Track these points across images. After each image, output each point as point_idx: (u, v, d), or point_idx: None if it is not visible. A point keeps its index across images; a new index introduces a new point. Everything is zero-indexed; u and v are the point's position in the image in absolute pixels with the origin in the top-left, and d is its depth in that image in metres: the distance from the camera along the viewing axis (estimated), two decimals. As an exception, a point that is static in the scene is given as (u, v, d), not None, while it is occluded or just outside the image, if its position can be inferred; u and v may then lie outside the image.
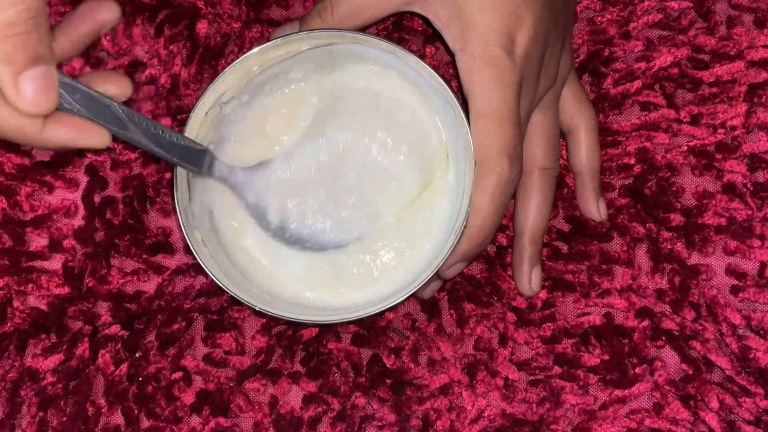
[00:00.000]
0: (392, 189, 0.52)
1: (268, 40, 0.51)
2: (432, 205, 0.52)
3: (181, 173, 0.50)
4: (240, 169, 0.52)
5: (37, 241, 0.58)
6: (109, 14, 0.43)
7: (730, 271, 0.56)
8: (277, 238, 0.53)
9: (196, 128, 0.51)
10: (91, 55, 0.59)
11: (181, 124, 0.51)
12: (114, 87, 0.43)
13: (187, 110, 0.53)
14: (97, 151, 0.58)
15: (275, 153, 0.53)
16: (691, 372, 0.55)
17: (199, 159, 0.49)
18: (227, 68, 0.50)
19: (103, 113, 0.42)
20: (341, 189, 0.53)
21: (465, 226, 0.49)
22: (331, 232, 0.53)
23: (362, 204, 0.53)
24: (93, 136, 0.42)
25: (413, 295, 0.51)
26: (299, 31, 0.51)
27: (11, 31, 0.37)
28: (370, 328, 0.57)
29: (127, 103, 0.44)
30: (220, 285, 0.49)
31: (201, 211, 0.52)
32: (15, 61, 0.38)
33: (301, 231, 0.52)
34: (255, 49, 0.50)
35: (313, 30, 0.52)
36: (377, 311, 0.49)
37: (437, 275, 0.51)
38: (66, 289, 0.57)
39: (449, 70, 0.59)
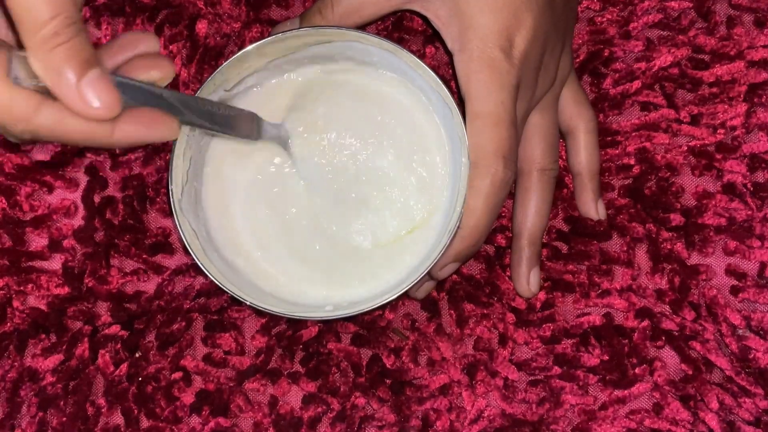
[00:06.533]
0: (389, 189, 0.53)
1: (269, 35, 0.52)
2: (428, 204, 0.52)
3: (176, 166, 0.50)
4: (283, 125, 0.52)
5: (37, 241, 0.59)
6: (149, 44, 0.42)
7: (730, 271, 0.56)
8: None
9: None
10: (91, 55, 0.59)
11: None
12: (157, 72, 0.42)
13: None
14: (96, 151, 0.58)
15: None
16: (690, 372, 0.55)
17: (249, 125, 0.49)
18: (225, 63, 0.50)
19: (157, 103, 0.41)
20: (340, 189, 0.53)
21: (459, 227, 0.49)
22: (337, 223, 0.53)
23: (360, 203, 0.53)
24: (163, 127, 0.41)
25: (407, 294, 0.51)
26: (299, 28, 0.51)
27: (58, 40, 0.37)
28: (369, 329, 0.57)
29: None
30: (214, 279, 0.49)
31: (195, 206, 0.52)
32: (70, 69, 0.37)
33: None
34: (254, 45, 0.50)
35: (313, 27, 0.52)
36: (370, 309, 0.49)
37: (430, 275, 0.51)
38: (66, 289, 0.57)
39: (449, 71, 0.59)
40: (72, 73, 0.38)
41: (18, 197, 0.58)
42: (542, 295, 0.57)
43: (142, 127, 0.40)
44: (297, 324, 0.57)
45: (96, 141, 0.40)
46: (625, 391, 0.55)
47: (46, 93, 0.38)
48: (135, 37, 0.43)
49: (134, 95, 0.40)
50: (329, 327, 0.57)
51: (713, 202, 0.57)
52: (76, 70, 0.38)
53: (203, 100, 0.45)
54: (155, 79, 0.42)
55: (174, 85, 0.59)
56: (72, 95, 0.38)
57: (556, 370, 0.56)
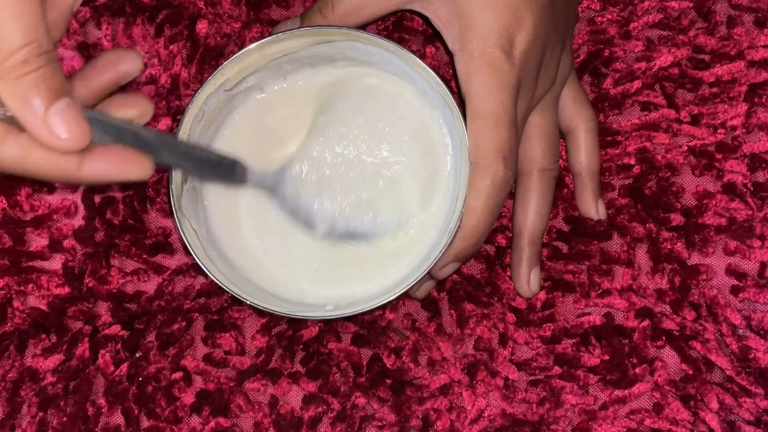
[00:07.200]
0: (391, 189, 0.53)
1: (270, 35, 0.52)
2: (428, 204, 0.52)
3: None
4: (270, 174, 0.51)
5: (37, 241, 0.59)
6: (132, 65, 0.42)
7: (730, 271, 0.56)
8: (301, 231, 0.52)
9: (190, 122, 0.51)
10: (92, 56, 0.59)
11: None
12: (134, 110, 0.41)
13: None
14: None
15: (280, 153, 0.53)
16: (691, 372, 0.55)
17: (231, 170, 0.47)
18: (226, 62, 0.50)
19: (130, 141, 0.39)
20: (346, 189, 0.53)
21: (459, 227, 0.49)
22: (345, 226, 0.53)
23: (365, 203, 0.53)
24: (135, 165, 0.39)
25: (407, 294, 0.50)
26: (300, 28, 0.51)
27: (27, 68, 0.36)
28: (370, 328, 0.57)
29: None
30: (214, 279, 0.49)
31: (195, 206, 0.52)
32: (38, 97, 0.37)
33: (326, 225, 0.52)
34: (254, 44, 0.50)
35: (313, 27, 0.52)
36: (370, 308, 0.49)
37: (430, 275, 0.51)
38: (66, 289, 0.57)
39: (449, 70, 0.59)
40: (40, 101, 0.37)
41: (18, 197, 0.58)
42: (542, 295, 0.57)
43: (113, 165, 0.39)
44: (297, 324, 0.57)
45: (62, 176, 0.38)
46: (626, 391, 0.55)
47: (12, 123, 0.37)
48: (116, 56, 0.42)
49: (107, 131, 0.39)
50: (329, 327, 0.57)
51: (713, 202, 0.57)
52: (45, 99, 0.37)
53: (183, 141, 0.43)
54: (132, 117, 0.41)
55: (174, 85, 0.59)
56: (39, 125, 0.37)
57: (557, 370, 0.56)
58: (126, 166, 0.39)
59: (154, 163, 0.40)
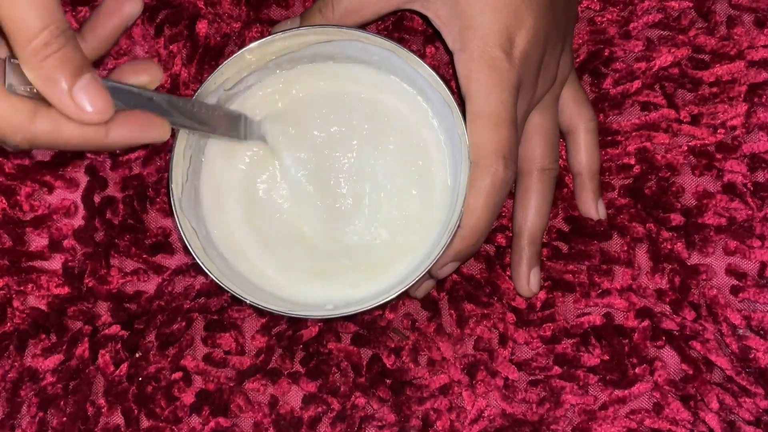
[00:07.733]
0: (387, 187, 0.53)
1: (269, 35, 0.52)
2: (428, 204, 0.52)
3: (176, 165, 0.50)
4: (263, 121, 0.53)
5: (37, 241, 0.59)
6: (133, 6, 0.44)
7: (730, 271, 0.56)
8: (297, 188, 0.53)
9: None
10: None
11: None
12: (146, 76, 0.44)
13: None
14: (96, 152, 0.58)
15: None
16: (691, 372, 0.55)
17: (237, 125, 0.51)
18: (226, 62, 0.50)
19: (147, 105, 0.43)
20: (339, 188, 0.53)
21: (459, 226, 0.49)
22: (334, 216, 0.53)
23: (359, 202, 0.53)
24: (154, 128, 0.42)
25: (407, 293, 0.50)
26: (299, 27, 0.51)
27: (49, 50, 0.39)
28: (370, 328, 0.57)
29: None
30: (214, 278, 0.49)
31: (195, 205, 0.52)
32: (63, 76, 0.39)
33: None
34: (254, 44, 0.50)
35: (313, 26, 0.52)
36: (370, 308, 0.49)
37: (430, 274, 0.51)
38: (66, 289, 0.57)
39: (449, 70, 0.59)
40: (64, 80, 0.39)
41: (18, 197, 0.58)
42: (542, 295, 0.57)
43: (134, 129, 0.42)
44: (297, 324, 0.57)
45: (91, 144, 0.41)
46: (626, 391, 0.55)
47: (41, 99, 0.40)
48: (118, 1, 0.44)
49: (125, 99, 0.42)
50: (329, 327, 0.57)
51: (713, 202, 0.57)
52: (68, 78, 0.39)
53: (191, 101, 0.47)
54: (144, 83, 0.43)
55: (174, 85, 0.59)
56: (66, 101, 0.40)
57: (557, 370, 0.56)
58: (147, 129, 0.42)
59: (171, 124, 0.43)
